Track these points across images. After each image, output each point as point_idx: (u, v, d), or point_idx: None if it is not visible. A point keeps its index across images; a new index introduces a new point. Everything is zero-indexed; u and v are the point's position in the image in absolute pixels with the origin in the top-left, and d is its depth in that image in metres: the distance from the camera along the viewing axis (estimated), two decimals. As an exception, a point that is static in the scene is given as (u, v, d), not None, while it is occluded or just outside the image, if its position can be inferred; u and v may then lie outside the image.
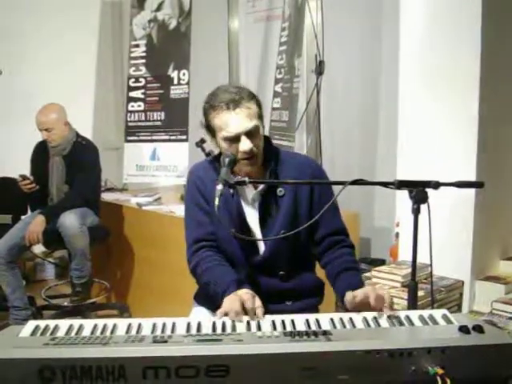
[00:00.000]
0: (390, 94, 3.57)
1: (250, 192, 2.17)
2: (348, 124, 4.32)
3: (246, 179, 1.98)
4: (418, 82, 3.10)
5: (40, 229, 3.92)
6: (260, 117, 2.10)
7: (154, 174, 4.97)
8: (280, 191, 2.15)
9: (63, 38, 5.37)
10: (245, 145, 2.04)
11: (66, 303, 4.26)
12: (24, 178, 4.02)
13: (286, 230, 2.09)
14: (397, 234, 3.40)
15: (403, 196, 2.30)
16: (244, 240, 2.13)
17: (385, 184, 2.02)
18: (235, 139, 2.05)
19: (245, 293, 1.95)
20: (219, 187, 1.88)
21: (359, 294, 1.90)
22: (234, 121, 2.03)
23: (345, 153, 4.33)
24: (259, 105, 2.12)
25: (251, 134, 2.05)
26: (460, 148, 2.88)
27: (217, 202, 1.85)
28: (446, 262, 2.90)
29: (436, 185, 1.96)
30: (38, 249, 4.71)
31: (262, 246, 2.18)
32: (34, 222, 3.93)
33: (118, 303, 4.54)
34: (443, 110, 2.95)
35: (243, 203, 2.18)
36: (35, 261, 5.36)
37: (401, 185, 1.97)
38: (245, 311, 1.86)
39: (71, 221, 3.88)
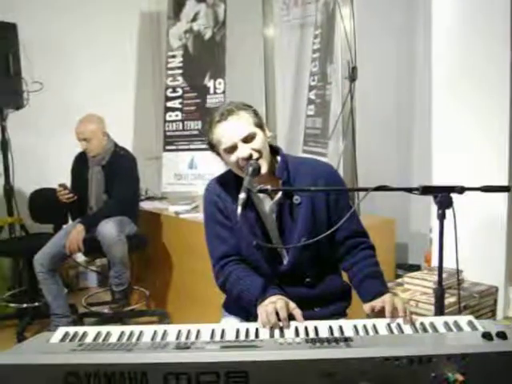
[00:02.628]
0: (424, 98, 3.55)
1: (268, 203, 2.18)
2: (382, 129, 4.30)
3: (269, 187, 1.99)
4: (451, 87, 3.09)
5: (79, 237, 4.01)
6: (258, 125, 2.11)
7: (191, 183, 5.01)
8: (296, 199, 2.15)
9: (102, 50, 5.50)
10: (242, 151, 2.06)
11: (105, 310, 4.34)
12: (63, 187, 4.12)
13: (305, 237, 2.11)
14: (431, 240, 3.37)
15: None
16: (267, 251, 2.16)
17: (409, 190, 2.01)
18: (233, 148, 2.07)
19: (278, 299, 1.97)
20: (242, 196, 1.89)
21: (377, 305, 1.93)
22: (228, 130, 2.07)
23: (380, 158, 4.30)
24: (256, 114, 2.13)
25: (248, 140, 2.07)
26: (492, 153, 2.85)
27: (239, 210, 1.87)
28: (479, 268, 2.88)
29: (461, 190, 1.94)
30: (80, 257, 4.82)
31: (285, 256, 2.20)
32: (73, 231, 4.03)
33: (158, 310, 4.60)
34: (475, 115, 2.93)
35: (261, 215, 2.20)
36: (78, 269, 5.47)
37: (425, 190, 1.96)
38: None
39: (109, 229, 3.96)
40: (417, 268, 3.97)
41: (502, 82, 2.82)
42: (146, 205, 4.94)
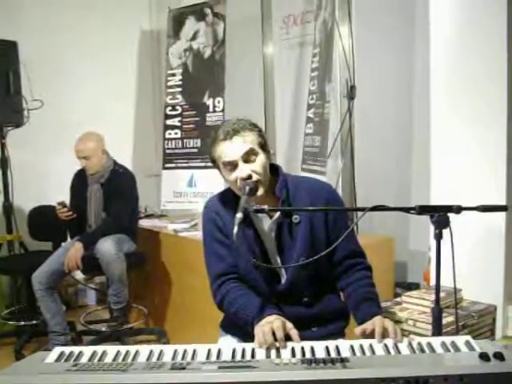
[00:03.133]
0: (423, 115, 3.55)
1: (266, 222, 2.19)
2: (381, 147, 4.30)
3: (266, 207, 1.99)
4: (449, 104, 3.08)
5: (78, 255, 4.01)
6: (261, 146, 2.13)
7: (190, 201, 5.01)
8: (295, 218, 2.16)
9: (102, 67, 5.55)
10: (241, 171, 2.07)
11: (104, 328, 4.32)
12: (62, 205, 4.13)
13: (304, 256, 2.11)
14: (429, 258, 3.37)
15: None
16: (265, 269, 2.16)
17: (406, 210, 2.01)
18: (234, 166, 2.08)
19: (275, 319, 1.97)
20: (239, 215, 1.90)
21: (367, 327, 1.94)
22: (231, 148, 2.09)
23: (379, 176, 4.30)
24: (261, 135, 2.15)
25: (249, 160, 2.08)
26: (490, 170, 2.85)
27: (235, 230, 1.87)
28: (478, 286, 2.87)
29: (458, 209, 1.94)
30: (79, 274, 4.80)
31: (283, 275, 2.20)
32: (72, 249, 4.03)
33: (156, 328, 4.58)
34: (474, 133, 2.93)
35: (260, 233, 2.20)
36: (76, 286, 5.46)
37: (422, 210, 1.96)
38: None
39: (108, 247, 3.96)
40: (416, 286, 3.95)
41: (500, 99, 2.82)
42: (144, 222, 4.96)
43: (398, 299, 2.92)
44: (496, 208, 2.04)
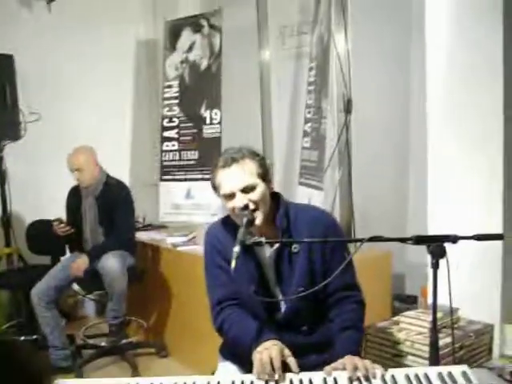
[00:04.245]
0: (421, 127, 3.56)
1: (268, 250, 2.20)
2: (379, 161, 4.31)
3: (263, 239, 2.01)
4: (446, 118, 3.11)
5: (82, 268, 4.06)
6: (261, 176, 2.14)
7: (189, 213, 5.04)
8: (295, 248, 2.17)
9: (99, 79, 5.52)
10: (238, 201, 2.09)
11: (103, 343, 4.33)
12: (59, 221, 4.15)
13: (303, 286, 2.12)
14: (427, 275, 3.38)
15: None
16: (265, 297, 2.18)
17: (403, 240, 2.04)
18: (231, 196, 2.11)
19: (273, 345, 1.99)
20: (236, 249, 1.92)
21: (337, 368, 1.93)
22: (229, 178, 2.11)
23: (377, 189, 4.32)
24: (262, 164, 2.16)
25: (247, 190, 2.10)
26: (485, 196, 2.88)
27: (233, 264, 1.89)
28: (475, 306, 2.89)
29: (454, 239, 1.96)
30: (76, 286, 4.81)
31: (282, 304, 2.21)
32: (79, 260, 4.09)
33: (155, 342, 4.59)
34: (470, 154, 2.96)
35: (261, 261, 2.22)
36: (76, 297, 5.47)
37: (418, 240, 1.98)
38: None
39: (113, 264, 3.99)
40: (413, 299, 3.97)
41: (497, 118, 2.84)
42: (143, 235, 4.95)
43: (396, 318, 2.94)
44: (492, 237, 2.06)
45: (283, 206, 2.22)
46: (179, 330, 4.41)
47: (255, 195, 2.10)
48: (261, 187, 2.12)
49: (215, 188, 2.18)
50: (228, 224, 2.24)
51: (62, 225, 4.16)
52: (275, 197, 2.24)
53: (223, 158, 2.14)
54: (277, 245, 2.17)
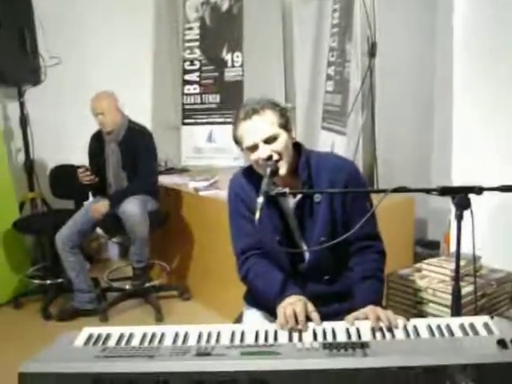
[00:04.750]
0: (446, 71, 3.49)
1: (291, 200, 2.19)
2: (403, 105, 4.25)
3: (287, 190, 2.01)
4: (472, 67, 3.04)
5: (103, 211, 4.10)
6: (283, 126, 2.12)
7: (210, 156, 5.03)
8: (316, 197, 2.17)
9: (119, 23, 5.41)
10: (261, 152, 2.07)
11: (127, 286, 4.40)
12: (85, 168, 4.18)
13: (325, 236, 2.13)
14: (449, 222, 3.37)
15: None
16: (288, 247, 2.18)
17: (427, 191, 2.02)
18: (254, 148, 2.09)
19: (297, 300, 2.00)
20: (260, 200, 1.91)
21: (359, 318, 1.93)
22: (250, 130, 2.09)
23: (400, 136, 4.27)
24: (282, 114, 2.13)
25: (269, 141, 2.08)
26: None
27: (257, 215, 1.89)
28: (497, 254, 2.88)
29: (479, 190, 1.93)
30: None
31: (306, 254, 2.22)
32: (100, 203, 4.13)
33: (178, 285, 4.66)
34: (495, 103, 2.89)
35: (285, 211, 2.21)
36: (99, 241, 5.55)
37: (443, 191, 1.96)
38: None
39: (134, 208, 4.01)
40: (436, 245, 3.97)
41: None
42: (165, 179, 4.93)
43: (418, 266, 2.95)
44: (517, 188, 2.03)
45: (305, 155, 2.20)
46: (201, 273, 4.47)
47: (278, 145, 2.08)
48: (283, 137, 2.10)
49: (237, 141, 2.16)
50: (251, 174, 2.23)
51: (88, 172, 4.18)
52: (297, 146, 2.22)
53: (243, 110, 2.11)
54: (299, 195, 2.17)
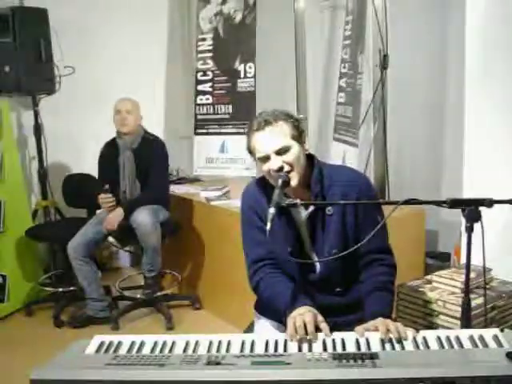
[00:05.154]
0: (458, 82, 3.49)
1: (303, 212, 2.21)
2: (414, 118, 4.25)
3: (298, 201, 2.03)
4: (483, 84, 3.04)
5: (117, 220, 4.10)
6: (295, 137, 2.13)
7: (223, 167, 5.06)
8: (329, 210, 2.18)
9: (133, 32, 5.49)
10: (273, 163, 2.09)
11: (138, 295, 4.42)
12: (107, 192, 4.15)
13: (336, 248, 2.14)
14: (460, 233, 3.37)
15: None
16: (300, 258, 2.20)
17: (437, 203, 2.02)
18: (266, 159, 2.11)
19: (307, 311, 2.01)
20: (271, 210, 1.93)
21: (369, 329, 1.94)
22: (263, 141, 2.11)
23: (411, 147, 4.28)
24: (295, 126, 2.15)
25: (281, 152, 2.09)
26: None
27: (268, 226, 1.91)
28: (507, 266, 2.87)
29: (490, 203, 1.94)
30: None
31: (317, 265, 2.24)
32: (114, 213, 4.12)
33: (190, 294, 4.68)
34: (507, 118, 2.90)
35: (297, 222, 2.23)
36: (111, 249, 5.57)
37: (454, 203, 1.96)
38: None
39: (145, 218, 4.03)
40: (447, 257, 3.96)
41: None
42: (177, 189, 4.97)
43: (428, 277, 2.95)
44: (528, 200, 2.03)
45: (317, 167, 2.21)
46: (213, 283, 4.48)
47: (289, 157, 2.10)
48: (295, 149, 2.12)
49: (250, 152, 2.19)
50: (265, 185, 2.24)
51: (110, 198, 4.17)
52: (309, 158, 2.24)
53: (257, 121, 2.14)
54: (312, 207, 2.18)
